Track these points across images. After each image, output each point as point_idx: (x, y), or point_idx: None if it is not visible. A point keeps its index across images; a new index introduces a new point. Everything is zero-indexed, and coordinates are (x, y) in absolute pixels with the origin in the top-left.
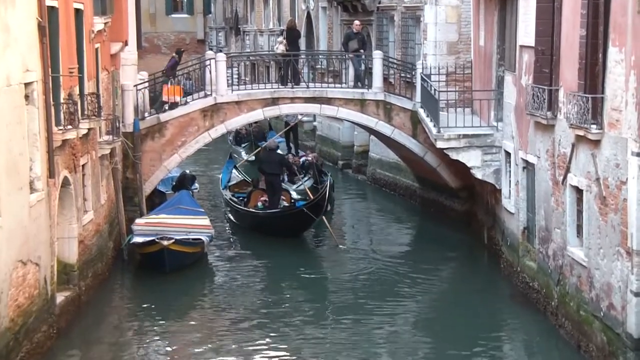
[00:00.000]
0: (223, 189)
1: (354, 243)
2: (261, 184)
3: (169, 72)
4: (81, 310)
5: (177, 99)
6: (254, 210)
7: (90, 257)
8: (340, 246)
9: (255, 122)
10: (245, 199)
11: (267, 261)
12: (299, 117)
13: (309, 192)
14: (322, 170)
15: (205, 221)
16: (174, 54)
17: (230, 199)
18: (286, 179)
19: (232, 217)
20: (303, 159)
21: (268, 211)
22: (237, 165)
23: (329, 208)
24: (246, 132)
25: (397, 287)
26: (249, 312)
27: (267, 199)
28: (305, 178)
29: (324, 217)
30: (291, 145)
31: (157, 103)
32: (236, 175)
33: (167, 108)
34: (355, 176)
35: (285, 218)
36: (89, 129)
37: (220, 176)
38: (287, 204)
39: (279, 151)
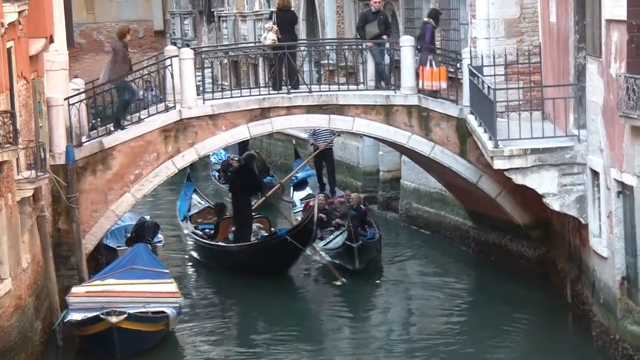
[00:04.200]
0: (182, 221)
1: (384, 308)
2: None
3: (430, 46)
4: None
5: (443, 85)
6: (224, 244)
7: (9, 344)
8: (342, 281)
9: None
10: (213, 231)
11: (257, 322)
12: (331, 136)
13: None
14: (366, 219)
15: (171, 286)
16: (425, 19)
17: (193, 232)
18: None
19: (197, 257)
20: (338, 201)
21: (243, 244)
22: (197, 189)
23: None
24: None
25: None
26: None
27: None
28: (337, 233)
29: (315, 246)
30: (325, 181)
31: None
32: (197, 202)
33: (427, 99)
34: (382, 214)
35: (266, 250)
36: (2, 163)
37: (177, 204)
38: (266, 234)
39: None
